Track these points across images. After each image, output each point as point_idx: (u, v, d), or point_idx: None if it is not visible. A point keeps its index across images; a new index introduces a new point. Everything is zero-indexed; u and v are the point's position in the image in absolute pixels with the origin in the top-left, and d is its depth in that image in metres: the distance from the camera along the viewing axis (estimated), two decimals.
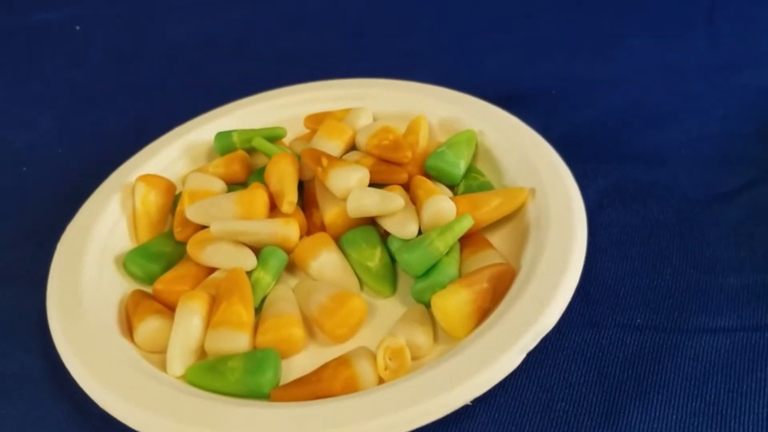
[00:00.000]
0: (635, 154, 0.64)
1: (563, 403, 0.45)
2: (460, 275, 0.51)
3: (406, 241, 0.52)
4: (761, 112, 0.68)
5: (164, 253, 0.56)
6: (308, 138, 0.65)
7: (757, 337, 0.48)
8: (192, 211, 0.55)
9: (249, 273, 0.52)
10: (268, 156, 0.60)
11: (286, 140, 0.67)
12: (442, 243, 0.50)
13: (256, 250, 0.54)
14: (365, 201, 0.53)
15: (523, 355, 0.44)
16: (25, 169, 0.73)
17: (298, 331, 0.49)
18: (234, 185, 0.61)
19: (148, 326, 0.49)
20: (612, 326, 0.50)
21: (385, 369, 0.45)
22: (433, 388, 0.42)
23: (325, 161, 0.56)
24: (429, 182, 0.56)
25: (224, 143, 0.64)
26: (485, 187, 0.58)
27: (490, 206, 0.54)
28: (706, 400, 0.45)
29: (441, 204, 0.52)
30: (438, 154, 0.59)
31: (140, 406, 0.43)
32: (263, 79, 0.72)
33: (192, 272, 0.54)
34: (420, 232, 0.53)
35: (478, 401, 0.44)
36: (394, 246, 0.53)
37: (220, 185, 0.59)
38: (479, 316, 0.48)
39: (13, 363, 0.52)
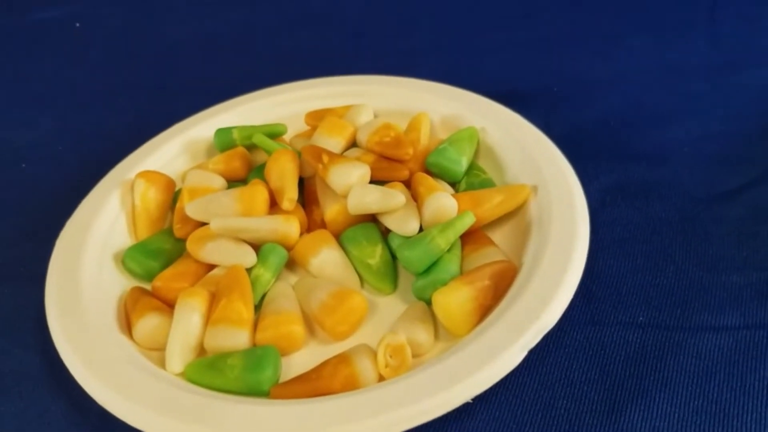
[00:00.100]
0: (637, 152, 0.64)
1: (565, 401, 0.45)
2: (462, 272, 0.51)
3: (407, 238, 0.52)
4: (763, 112, 0.68)
5: (163, 250, 0.56)
6: (309, 135, 0.65)
7: (760, 336, 0.48)
8: (192, 208, 0.55)
9: (249, 270, 0.52)
10: (269, 153, 0.60)
11: (286, 137, 0.67)
12: (444, 240, 0.50)
13: (256, 247, 0.53)
14: (366, 198, 0.53)
15: (525, 353, 0.44)
16: (24, 166, 0.73)
17: (298, 329, 0.49)
18: (234, 182, 0.61)
19: (147, 323, 0.49)
20: (614, 324, 0.50)
21: (386, 366, 0.45)
22: (433, 386, 0.42)
23: (325, 158, 0.56)
24: (430, 179, 0.56)
25: (224, 140, 0.64)
26: (487, 184, 0.58)
27: (492, 203, 0.54)
28: (708, 399, 0.44)
29: (442, 201, 0.52)
30: (439, 151, 0.59)
31: (139, 404, 0.43)
32: (263, 78, 0.72)
33: (191, 269, 0.54)
34: (421, 229, 0.53)
35: (479, 399, 0.43)
36: (395, 243, 0.53)
37: (220, 182, 0.59)
38: (480, 313, 0.47)
39: (12, 360, 0.52)
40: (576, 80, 0.76)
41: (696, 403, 0.44)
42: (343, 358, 0.46)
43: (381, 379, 0.45)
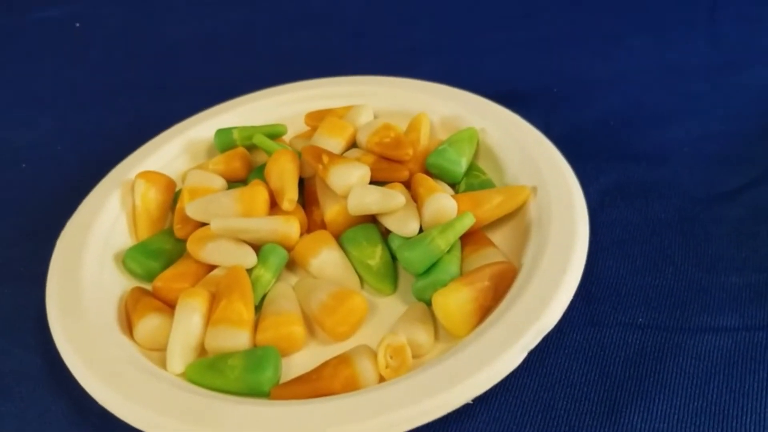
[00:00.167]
0: (637, 153, 0.64)
1: (564, 402, 0.45)
2: (462, 273, 0.51)
3: (407, 238, 0.52)
4: (763, 112, 0.68)
5: (164, 250, 0.56)
6: (309, 135, 0.65)
7: (760, 337, 0.48)
8: (192, 208, 0.55)
9: (249, 270, 0.52)
10: (269, 153, 0.60)
11: (286, 137, 0.67)
12: (444, 241, 0.50)
13: (256, 247, 0.53)
14: (366, 198, 0.53)
15: (525, 354, 0.44)
16: (24, 165, 0.73)
17: (298, 329, 0.49)
18: (234, 182, 0.61)
19: (148, 323, 0.49)
20: (614, 325, 0.50)
21: (386, 367, 0.45)
22: (434, 387, 0.42)
23: (326, 158, 0.56)
24: (430, 180, 0.56)
25: (224, 140, 0.64)
26: (486, 185, 0.58)
27: (492, 204, 0.54)
28: (708, 400, 0.44)
29: (442, 202, 0.52)
30: (439, 151, 0.59)
31: (140, 404, 0.43)
32: (263, 78, 0.72)
33: (192, 270, 0.54)
34: (421, 230, 0.53)
35: (479, 400, 0.44)
36: (394, 244, 0.53)
37: (220, 182, 0.59)
38: (480, 314, 0.47)
39: (12, 360, 0.52)
40: (576, 80, 0.76)
41: (695, 404, 0.44)
42: (343, 359, 0.46)
43: (381, 379, 0.45)
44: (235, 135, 0.64)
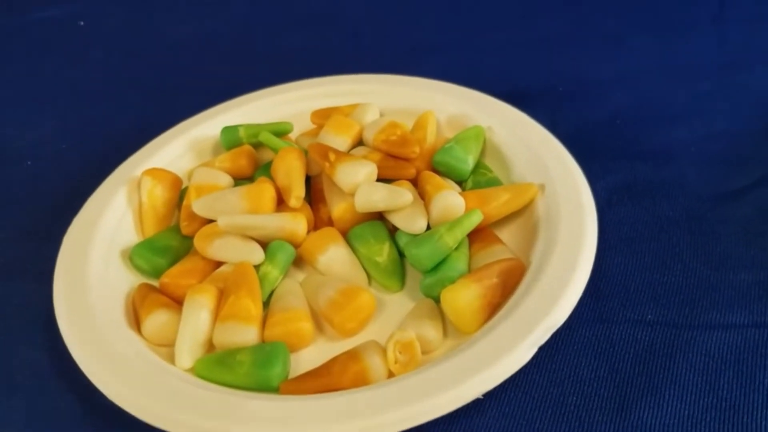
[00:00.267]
0: (644, 151, 0.64)
1: (574, 398, 0.45)
2: (470, 270, 0.51)
3: (415, 236, 0.52)
4: None
5: (171, 247, 0.56)
6: (314, 133, 0.65)
7: None
8: (198, 206, 0.55)
9: (256, 267, 0.52)
10: (275, 151, 0.60)
11: (292, 135, 0.66)
12: (451, 238, 0.50)
13: (264, 244, 0.53)
14: (373, 196, 0.53)
15: (534, 350, 0.44)
16: (29, 163, 0.73)
17: (306, 325, 0.49)
18: (240, 180, 0.61)
19: (156, 319, 0.49)
20: (623, 322, 0.50)
21: (395, 362, 0.45)
22: (444, 382, 0.42)
23: (332, 156, 0.56)
24: (437, 177, 0.56)
25: (230, 138, 0.64)
26: (493, 183, 0.58)
27: (499, 202, 0.54)
28: (718, 396, 0.44)
29: (450, 199, 0.52)
30: (446, 149, 0.59)
31: (149, 399, 0.43)
32: (264, 78, 0.72)
33: (199, 266, 0.54)
34: (429, 227, 0.53)
35: (489, 395, 0.44)
36: (402, 241, 0.53)
37: (227, 180, 0.59)
38: (489, 311, 0.47)
39: (21, 357, 0.52)
40: (582, 79, 0.76)
41: (705, 400, 0.44)
42: (352, 355, 0.46)
43: (390, 375, 0.45)
44: (242, 132, 0.64)
